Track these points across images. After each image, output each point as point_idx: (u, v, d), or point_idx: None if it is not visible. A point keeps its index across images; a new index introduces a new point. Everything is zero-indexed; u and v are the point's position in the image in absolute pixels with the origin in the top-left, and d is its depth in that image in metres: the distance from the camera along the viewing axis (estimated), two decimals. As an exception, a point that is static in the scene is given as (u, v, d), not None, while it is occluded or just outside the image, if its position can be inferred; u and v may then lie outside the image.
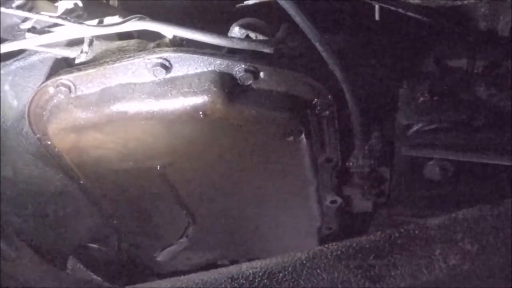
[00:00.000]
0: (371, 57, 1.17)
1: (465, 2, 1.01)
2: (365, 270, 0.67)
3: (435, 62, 1.14)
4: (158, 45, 1.04)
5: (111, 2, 1.26)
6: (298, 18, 0.92)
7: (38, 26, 1.05)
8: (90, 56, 1.05)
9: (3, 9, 1.01)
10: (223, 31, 1.01)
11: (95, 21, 1.03)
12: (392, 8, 1.05)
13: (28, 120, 1.05)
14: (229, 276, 0.68)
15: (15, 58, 1.09)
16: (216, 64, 0.99)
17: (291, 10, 0.91)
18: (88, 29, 1.00)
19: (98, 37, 1.07)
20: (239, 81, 0.99)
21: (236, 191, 1.19)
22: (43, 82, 1.03)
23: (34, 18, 1.03)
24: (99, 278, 1.40)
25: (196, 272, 0.82)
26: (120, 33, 1.05)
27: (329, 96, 1.02)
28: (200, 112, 0.98)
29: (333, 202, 1.26)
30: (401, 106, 1.13)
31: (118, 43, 1.07)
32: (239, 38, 1.00)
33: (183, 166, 1.12)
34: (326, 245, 0.71)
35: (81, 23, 1.01)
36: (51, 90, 1.03)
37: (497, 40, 1.05)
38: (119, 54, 1.04)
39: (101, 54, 1.05)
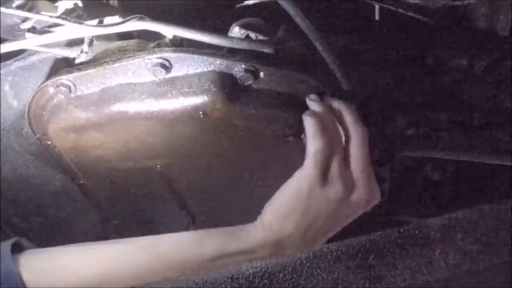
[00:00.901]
0: (371, 57, 1.18)
1: (465, 2, 1.01)
2: (365, 270, 0.67)
3: (435, 62, 1.14)
4: (158, 45, 1.04)
5: (111, 2, 1.26)
6: (298, 18, 0.92)
7: (38, 26, 1.05)
8: (90, 56, 1.05)
9: (3, 9, 1.01)
10: (223, 31, 1.01)
11: (95, 21, 1.03)
12: (392, 8, 1.05)
13: (28, 120, 1.05)
14: (229, 276, 0.68)
15: (15, 58, 1.09)
16: (216, 64, 0.99)
17: (291, 10, 0.91)
18: (88, 29, 1.00)
19: (98, 37, 1.07)
20: (239, 81, 0.99)
21: (236, 190, 1.19)
22: (43, 82, 1.03)
23: (34, 18, 1.03)
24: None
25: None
26: (120, 33, 1.05)
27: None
28: (200, 112, 0.98)
29: (333, 202, 1.26)
30: (401, 106, 1.13)
31: (118, 43, 1.07)
32: (239, 38, 1.00)
33: (183, 166, 1.12)
34: (326, 245, 0.71)
35: (81, 23, 1.01)
36: (51, 90, 1.03)
37: (497, 40, 1.05)
38: (119, 54, 1.04)
39: (101, 54, 1.05)
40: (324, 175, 0.90)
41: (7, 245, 0.92)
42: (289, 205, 0.91)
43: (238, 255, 0.92)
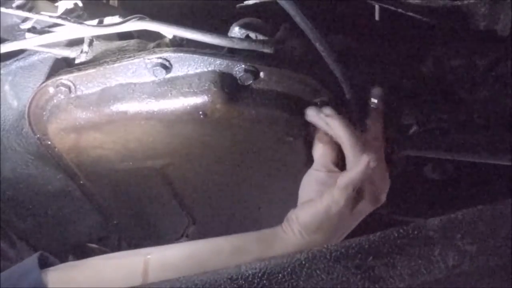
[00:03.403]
0: (371, 57, 1.17)
1: (465, 2, 1.01)
2: (364, 270, 0.67)
3: (435, 62, 1.14)
4: (158, 45, 1.04)
5: (111, 2, 1.26)
6: (298, 18, 0.92)
7: (38, 26, 1.05)
8: (90, 56, 1.05)
9: (3, 9, 1.01)
10: (223, 31, 1.01)
11: (95, 21, 1.03)
12: (392, 8, 1.05)
13: (28, 120, 1.05)
14: (229, 277, 0.68)
15: (15, 58, 1.09)
16: (216, 64, 0.99)
17: (291, 10, 0.91)
18: (88, 29, 1.00)
19: (98, 37, 1.07)
20: (239, 81, 0.99)
21: (236, 191, 1.19)
22: (43, 82, 1.03)
23: (34, 18, 1.03)
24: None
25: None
26: (120, 33, 1.05)
27: (329, 96, 1.02)
28: (200, 112, 0.98)
29: (333, 202, 1.25)
30: (401, 106, 1.13)
31: (118, 43, 1.08)
32: (239, 38, 1.00)
33: (183, 166, 1.12)
34: (325, 246, 0.71)
35: (81, 23, 1.01)
36: (51, 90, 1.03)
37: (497, 40, 1.05)
38: (119, 54, 1.04)
39: (101, 54, 1.05)
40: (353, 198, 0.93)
41: (33, 258, 0.92)
42: (319, 224, 0.92)
43: None
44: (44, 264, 0.92)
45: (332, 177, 0.95)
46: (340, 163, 0.99)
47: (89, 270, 0.94)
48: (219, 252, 0.94)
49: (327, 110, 0.96)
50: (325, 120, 0.96)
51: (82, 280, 0.92)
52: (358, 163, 0.90)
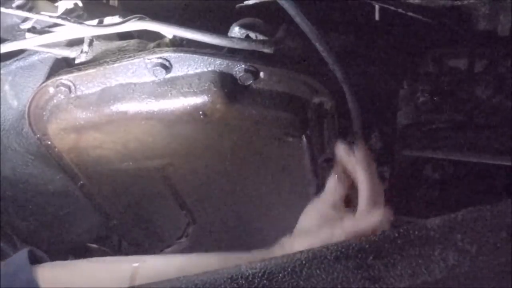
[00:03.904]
0: (371, 57, 1.17)
1: (465, 2, 1.01)
2: (364, 270, 0.67)
3: (435, 62, 1.14)
4: (158, 45, 1.04)
5: (111, 2, 1.26)
6: (298, 18, 0.92)
7: (38, 26, 1.05)
8: (90, 56, 1.05)
9: (3, 9, 1.01)
10: (223, 31, 1.01)
11: (95, 21, 1.03)
12: (392, 8, 1.05)
13: (28, 120, 1.05)
14: (229, 277, 0.68)
15: (15, 58, 1.09)
16: (216, 64, 0.99)
17: (291, 10, 0.91)
18: (88, 29, 1.00)
19: (98, 37, 1.07)
20: (239, 81, 0.99)
21: (236, 191, 1.19)
22: (43, 82, 1.03)
23: (34, 18, 1.03)
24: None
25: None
26: (120, 33, 1.05)
27: (329, 96, 1.02)
28: (200, 112, 0.98)
29: (333, 202, 1.25)
30: (401, 106, 1.13)
31: (118, 43, 1.08)
32: (239, 38, 1.00)
33: (183, 166, 1.12)
34: (325, 246, 0.71)
35: (81, 23, 1.01)
36: (51, 90, 1.03)
37: (497, 40, 1.05)
38: (119, 54, 1.04)
39: (101, 54, 1.05)
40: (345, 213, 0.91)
41: (23, 255, 0.91)
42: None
43: None
44: (34, 260, 0.92)
45: (336, 212, 0.92)
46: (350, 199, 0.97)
47: (77, 271, 0.94)
48: (208, 268, 0.93)
49: (358, 152, 0.91)
50: (351, 160, 0.92)
51: (68, 280, 0.91)
52: (371, 217, 0.87)
